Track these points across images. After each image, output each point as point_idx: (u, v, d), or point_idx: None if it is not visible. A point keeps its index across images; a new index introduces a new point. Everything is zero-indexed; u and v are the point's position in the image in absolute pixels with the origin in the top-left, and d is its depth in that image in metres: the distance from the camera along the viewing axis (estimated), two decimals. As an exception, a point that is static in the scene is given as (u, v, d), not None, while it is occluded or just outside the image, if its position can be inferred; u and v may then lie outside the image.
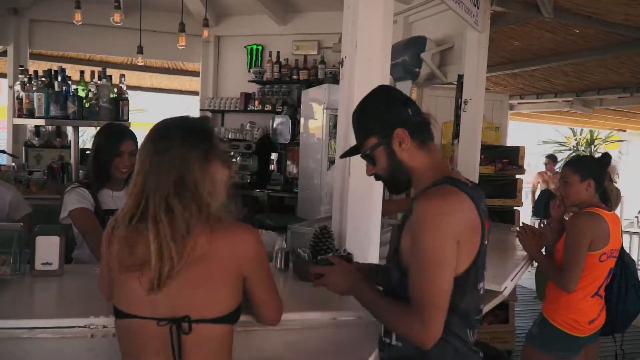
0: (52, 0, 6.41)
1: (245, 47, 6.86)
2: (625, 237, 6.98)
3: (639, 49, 4.59)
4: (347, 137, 2.17)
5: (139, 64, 6.32)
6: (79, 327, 1.55)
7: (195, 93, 8.32)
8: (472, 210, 1.37)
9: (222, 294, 1.36)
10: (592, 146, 12.16)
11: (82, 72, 3.75)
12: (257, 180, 6.24)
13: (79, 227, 2.37)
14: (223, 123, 6.97)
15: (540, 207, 7.68)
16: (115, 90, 3.59)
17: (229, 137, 6.39)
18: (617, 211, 2.84)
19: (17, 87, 3.83)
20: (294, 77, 6.44)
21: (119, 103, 3.57)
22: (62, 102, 3.47)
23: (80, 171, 3.69)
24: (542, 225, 2.97)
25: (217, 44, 7.16)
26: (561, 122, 10.65)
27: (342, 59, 2.25)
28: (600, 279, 2.54)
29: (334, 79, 5.65)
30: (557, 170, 8.34)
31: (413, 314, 1.32)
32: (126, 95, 3.65)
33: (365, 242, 2.18)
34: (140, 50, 5.81)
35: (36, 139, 5.45)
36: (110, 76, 3.57)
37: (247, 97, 6.69)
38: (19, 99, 3.66)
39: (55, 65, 5.07)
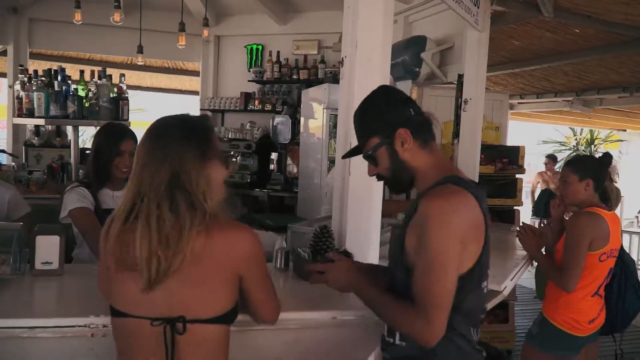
0: (52, 0, 6.40)
1: (245, 46, 6.85)
2: (625, 237, 6.99)
3: (638, 48, 4.59)
4: (348, 136, 2.16)
5: (139, 63, 6.30)
6: (79, 326, 1.55)
7: (195, 93, 8.32)
8: (476, 209, 1.37)
9: (219, 294, 1.34)
10: (592, 146, 12.17)
11: (82, 72, 3.74)
12: (257, 179, 6.22)
13: (79, 226, 2.36)
14: (223, 123, 6.96)
15: (540, 206, 7.69)
16: (115, 89, 3.58)
17: (229, 136, 6.38)
18: (617, 211, 2.83)
19: (17, 86, 3.83)
20: (294, 76, 6.43)
21: (119, 102, 3.57)
22: (62, 101, 3.47)
23: (80, 171, 3.69)
24: (542, 225, 2.98)
25: (217, 43, 7.14)
26: (561, 121, 10.65)
27: (342, 58, 2.25)
28: (600, 279, 2.54)
29: (334, 79, 5.64)
30: (557, 170, 8.35)
31: (416, 312, 1.32)
32: (126, 95, 3.65)
33: (365, 242, 2.18)
34: (140, 50, 5.81)
35: (36, 138, 5.45)
36: (110, 76, 3.57)
37: (247, 97, 6.68)
38: (19, 99, 3.66)
39: (55, 65, 5.09)
